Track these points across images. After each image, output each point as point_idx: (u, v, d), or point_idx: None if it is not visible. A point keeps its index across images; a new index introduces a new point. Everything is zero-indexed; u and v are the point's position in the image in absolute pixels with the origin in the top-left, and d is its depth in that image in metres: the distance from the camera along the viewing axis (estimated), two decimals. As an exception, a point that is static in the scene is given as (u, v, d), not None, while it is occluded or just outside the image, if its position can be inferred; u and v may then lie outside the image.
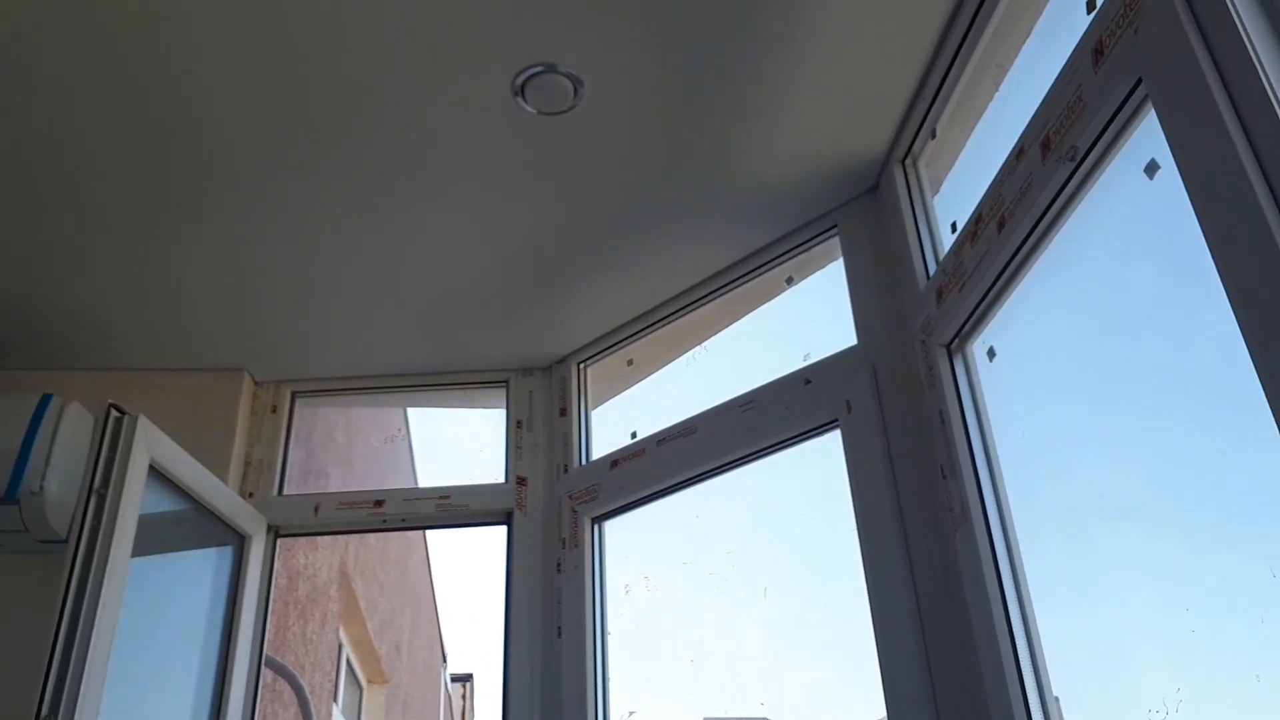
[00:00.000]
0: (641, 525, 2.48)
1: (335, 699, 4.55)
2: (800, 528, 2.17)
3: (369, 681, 5.89)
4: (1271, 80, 1.12)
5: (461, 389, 2.95)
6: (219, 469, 2.58)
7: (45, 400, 2.41)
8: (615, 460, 2.52)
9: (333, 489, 4.09)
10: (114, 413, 2.06)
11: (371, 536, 5.32)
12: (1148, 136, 1.37)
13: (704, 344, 2.66)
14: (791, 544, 2.17)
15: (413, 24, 1.78)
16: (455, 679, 14.99)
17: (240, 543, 2.50)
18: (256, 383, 2.85)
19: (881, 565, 1.88)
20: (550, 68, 1.91)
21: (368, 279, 2.45)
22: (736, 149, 2.11)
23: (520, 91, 1.95)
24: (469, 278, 2.47)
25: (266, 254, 2.34)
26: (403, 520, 2.71)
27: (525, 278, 2.49)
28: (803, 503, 2.18)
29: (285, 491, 2.74)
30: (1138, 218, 1.44)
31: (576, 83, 1.94)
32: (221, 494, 2.41)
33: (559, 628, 2.43)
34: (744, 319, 2.56)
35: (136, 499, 2.01)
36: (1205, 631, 1.31)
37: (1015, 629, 1.62)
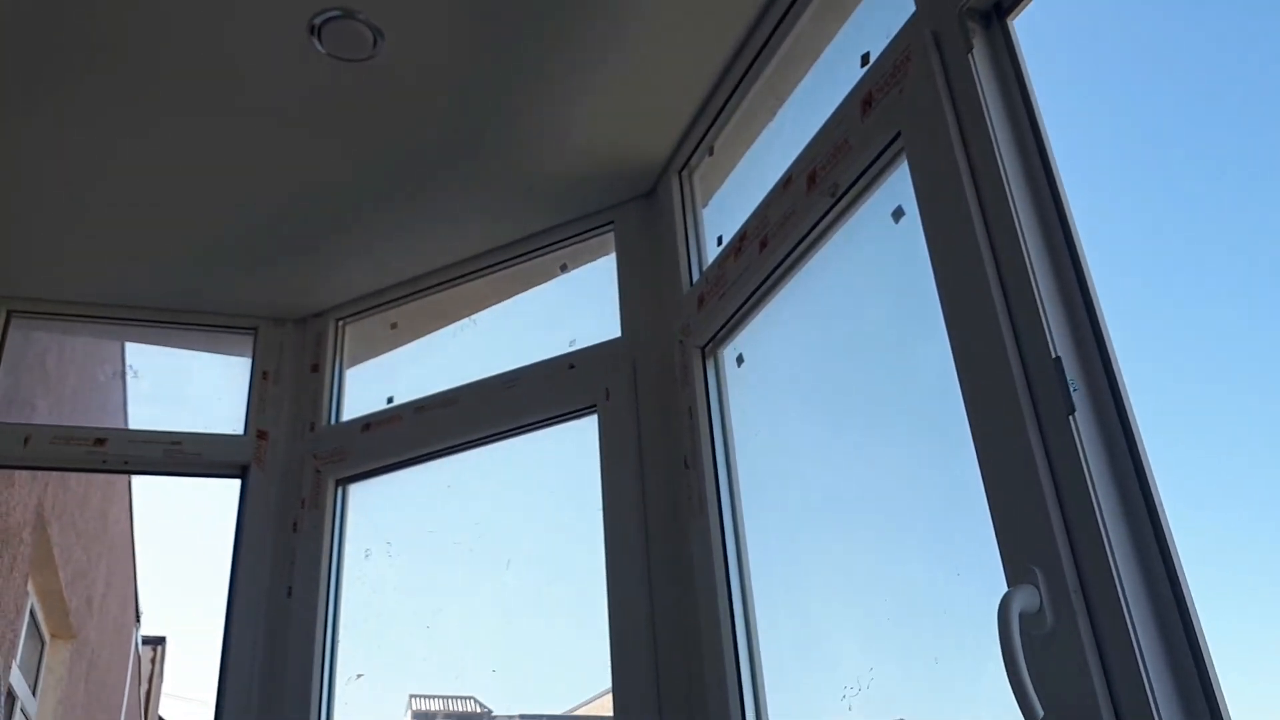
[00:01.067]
0: (390, 491, 2.47)
1: (15, 655, 4.13)
2: (550, 506, 2.25)
3: (53, 636, 5.38)
4: (1002, 150, 1.32)
5: (205, 331, 2.80)
6: (-91, 386, 2.31)
7: None
8: (369, 424, 2.49)
9: (36, 420, 3.73)
10: None
11: (74, 478, 4.87)
12: (899, 185, 1.55)
13: (473, 317, 2.68)
14: (540, 521, 2.25)
15: (212, -58, 1.69)
16: (147, 641, 13.96)
17: (-72, 470, 2.24)
18: (-35, 296, 2.56)
19: (621, 546, 2.00)
20: (349, 13, 1.87)
21: (115, 193, 2.27)
22: (524, 133, 2.16)
23: (317, 32, 1.90)
24: (229, 212, 2.35)
25: (3, 156, 2.11)
26: (125, 463, 2.53)
27: (291, 222, 2.40)
28: (555, 482, 2.26)
29: (-11, 419, 2.49)
30: (881, 255, 1.63)
31: (376, 33, 1.91)
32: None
33: (289, 588, 2.37)
34: (515, 298, 2.61)
35: None
36: (895, 621, 1.51)
37: (736, 611, 1.78)
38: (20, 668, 4.63)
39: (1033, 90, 1.37)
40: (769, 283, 1.82)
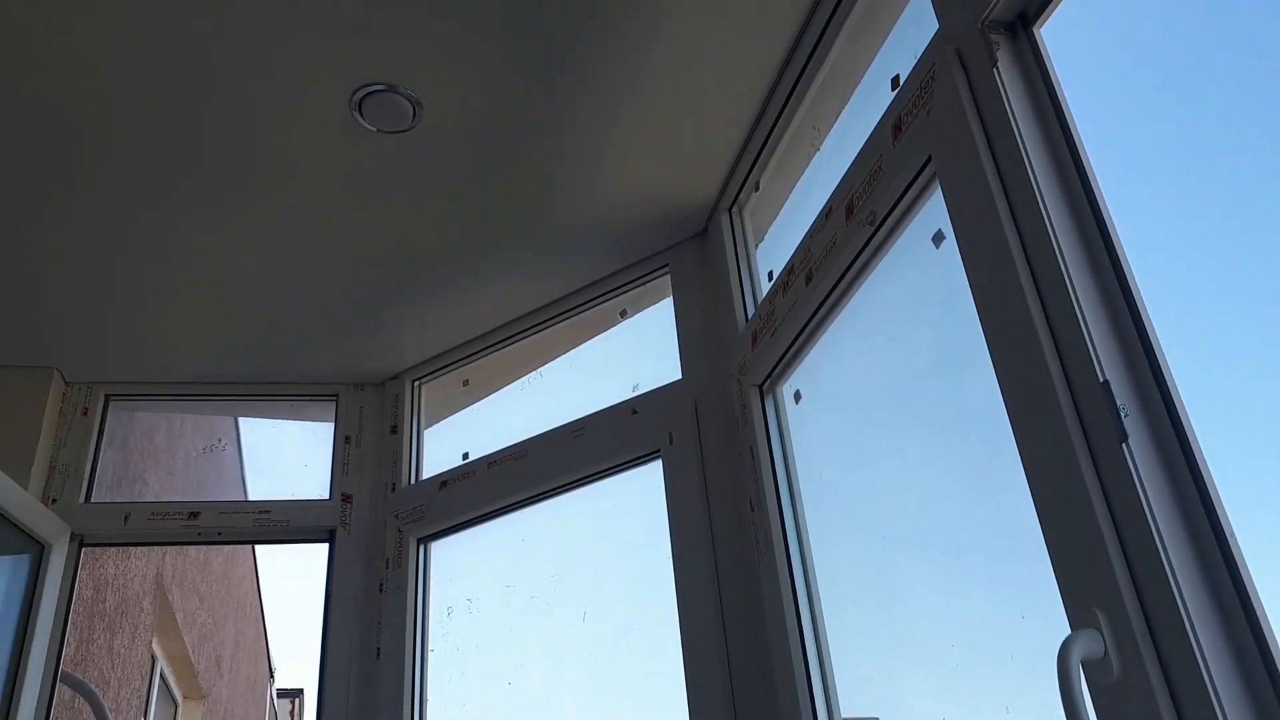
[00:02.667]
0: (468, 547, 2.49)
1: (146, 716, 4.32)
2: (621, 554, 2.23)
3: (185, 697, 5.61)
4: (1035, 167, 1.26)
5: (290, 401, 2.89)
6: (19, 472, 2.45)
7: None
8: (445, 481, 2.53)
9: (150, 497, 3.91)
10: (-102, 412, 1.93)
11: (198, 549, 5.10)
12: (938, 208, 1.50)
13: (539, 370, 2.70)
14: (612, 569, 2.23)
15: (250, 35, 1.76)
16: (283, 694, 14.44)
17: (39, 551, 2.37)
18: (67, 383, 2.71)
19: (693, 593, 1.96)
20: (391, 87, 1.92)
21: (195, 283, 2.38)
22: (573, 185, 2.17)
23: (359, 108, 1.95)
24: (301, 288, 2.43)
25: (83, 250, 2.24)
26: (219, 534, 2.63)
27: (361, 291, 2.47)
28: (624, 529, 2.24)
29: (94, 498, 2.62)
30: (925, 281, 1.57)
31: (416, 104, 1.96)
32: (18, 498, 2.28)
33: (378, 649, 2.41)
34: (579, 347, 2.62)
35: (-82, 505, 1.88)
36: (965, 664, 1.43)
37: (810, 655, 1.72)
38: (152, 730, 4.83)
39: (1065, 101, 1.30)
40: (818, 316, 1.77)
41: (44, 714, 2.29)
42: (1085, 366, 1.14)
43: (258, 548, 8.57)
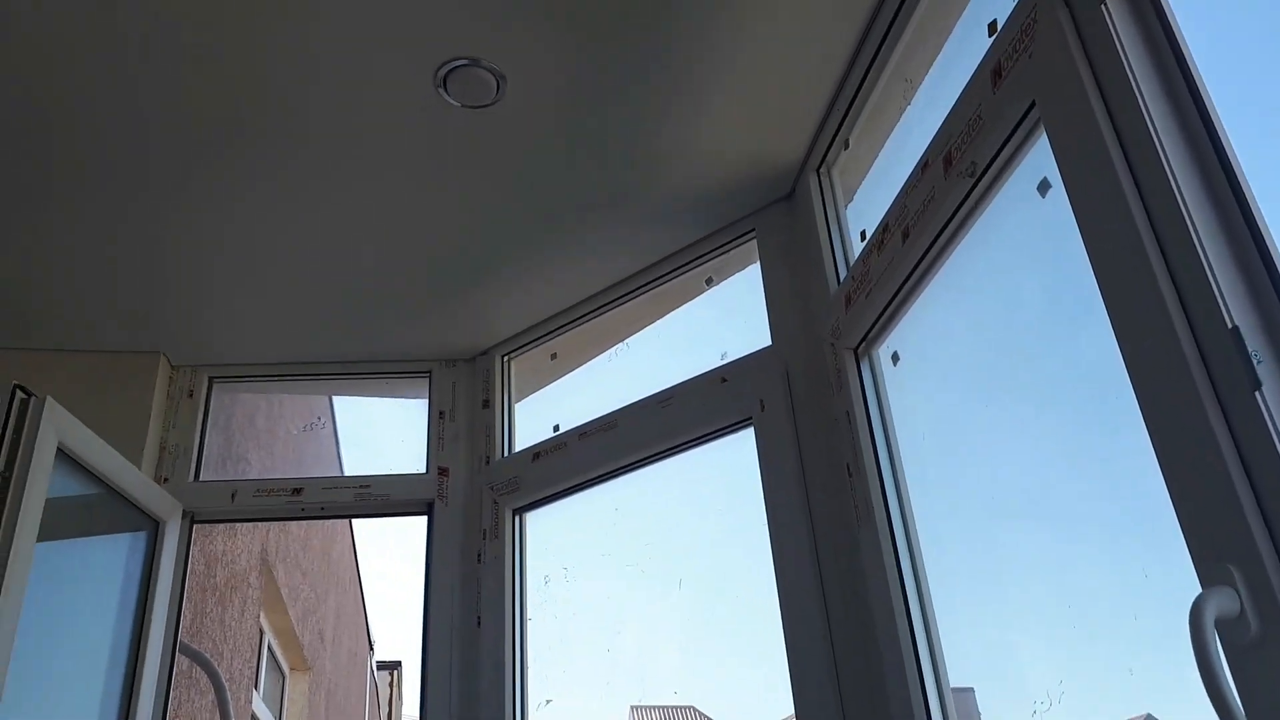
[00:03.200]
0: (562, 517, 2.52)
1: (256, 686, 4.50)
2: (715, 521, 2.23)
3: (291, 669, 5.82)
4: (1150, 108, 1.20)
5: (384, 379, 2.95)
6: (133, 453, 2.55)
7: (-51, 381, 2.34)
8: (537, 453, 2.55)
9: (252, 475, 4.04)
10: (20, 394, 2.02)
11: (294, 523, 5.26)
12: (1042, 156, 1.44)
13: (626, 340, 2.70)
14: (706, 537, 2.23)
15: (336, 13, 1.78)
16: (382, 666, 14.88)
17: (154, 528, 2.47)
18: (173, 366, 2.81)
19: (790, 560, 1.95)
20: (474, 62, 1.92)
21: (289, 265, 2.44)
22: (657, 152, 2.15)
23: (443, 84, 1.96)
24: (393, 267, 2.47)
25: (184, 237, 2.31)
26: (321, 509, 2.70)
27: (450, 269, 2.49)
28: (718, 497, 2.24)
29: (202, 477, 2.71)
30: (1031, 232, 1.52)
31: (499, 78, 1.95)
32: (134, 479, 2.37)
33: (479, 617, 2.45)
34: (666, 317, 2.60)
35: (43, 483, 1.97)
36: (1083, 628, 1.39)
37: (915, 624, 1.69)
38: (265, 699, 5.03)
39: (1182, 36, 1.23)
40: (916, 274, 1.73)
41: (165, 683, 2.40)
42: (1212, 313, 1.08)
43: (355, 526, 8.82)
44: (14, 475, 1.93)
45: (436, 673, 2.43)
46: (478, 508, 2.62)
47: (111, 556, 2.38)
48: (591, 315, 2.65)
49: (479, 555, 2.55)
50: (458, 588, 2.54)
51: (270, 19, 1.78)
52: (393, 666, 16.13)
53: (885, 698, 1.72)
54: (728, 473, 2.22)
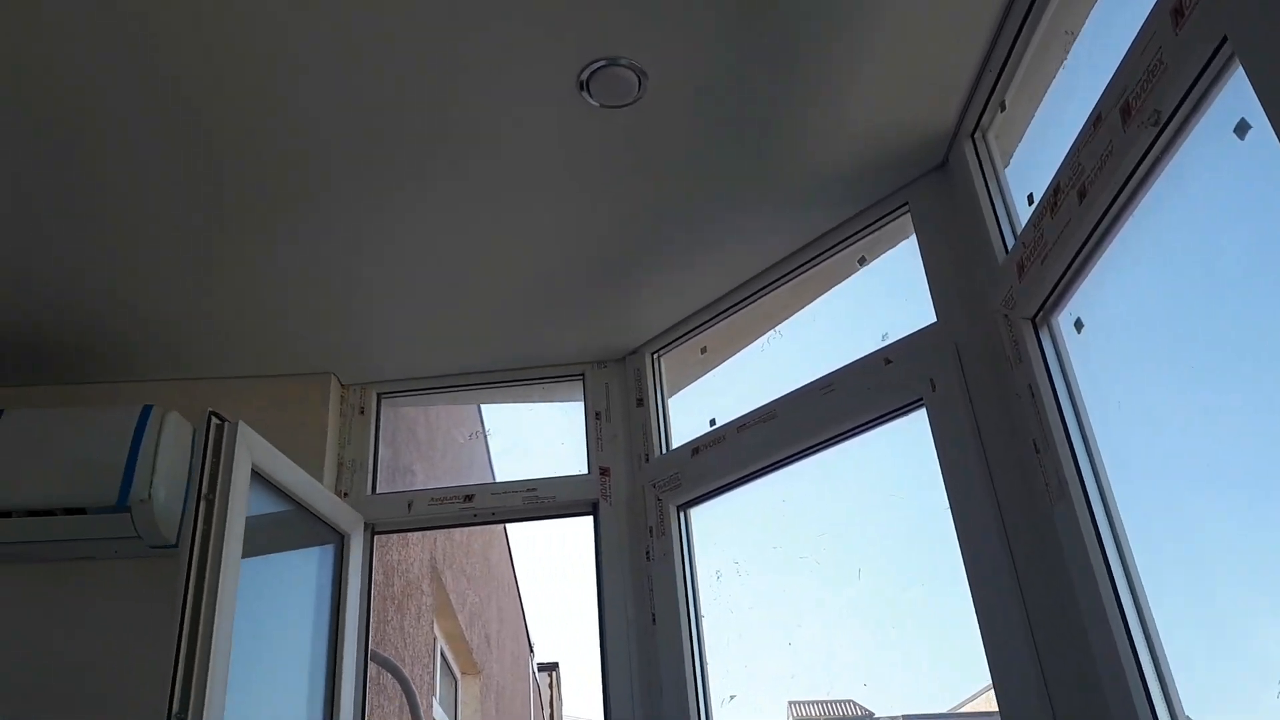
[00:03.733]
0: (728, 511, 2.50)
1: (434, 691, 4.66)
2: (890, 508, 2.17)
3: (462, 673, 6.02)
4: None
5: (539, 384, 3.00)
6: (314, 471, 2.68)
7: (146, 411, 2.51)
8: (696, 448, 2.55)
9: (418, 486, 4.19)
10: (214, 420, 2.15)
11: (457, 531, 5.43)
12: (1236, 96, 1.34)
13: (778, 328, 2.66)
14: (882, 524, 2.17)
15: (480, 26, 1.82)
16: (542, 668, 15.22)
17: (340, 541, 2.58)
18: (343, 385, 2.94)
19: (978, 542, 1.88)
20: (613, 61, 1.92)
21: (443, 280, 2.51)
22: (802, 132, 2.11)
23: (585, 86, 1.97)
24: (541, 273, 2.51)
25: (346, 261, 2.41)
26: (492, 514, 2.77)
27: (596, 271, 2.52)
28: (889, 482, 2.18)
29: (378, 490, 2.83)
30: (1228, 180, 1.41)
31: (640, 74, 1.95)
32: (320, 494, 2.49)
33: (653, 614, 2.47)
34: (817, 300, 2.56)
35: (242, 503, 2.09)
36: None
37: (1124, 603, 1.60)
38: (440, 704, 5.21)
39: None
40: (1096, 235, 1.63)
41: (361, 690, 2.51)
42: None
43: (510, 529, 9.05)
44: (216, 496, 2.05)
45: (616, 670, 2.46)
46: (641, 505, 2.64)
47: (304, 569, 2.50)
48: (740, 305, 2.63)
49: (647, 552, 2.56)
50: (629, 585, 2.56)
51: (418, 37, 1.83)
52: (551, 668, 16.47)
53: (1097, 678, 1.64)
54: (898, 457, 2.16)
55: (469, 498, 2.76)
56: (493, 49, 1.86)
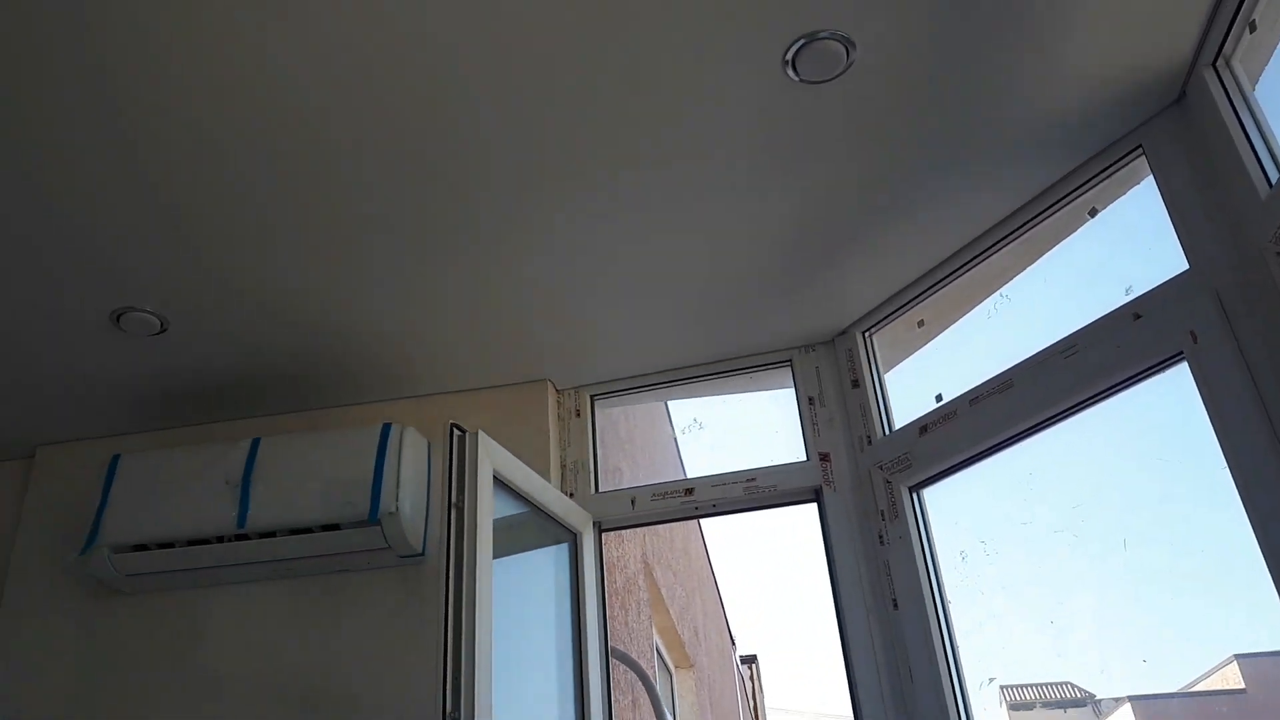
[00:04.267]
0: (967, 489, 2.41)
1: (657, 684, 4.73)
2: (1153, 471, 2.02)
3: (676, 666, 6.09)
4: None
5: (746, 373, 2.98)
6: (541, 474, 2.75)
7: (386, 429, 2.66)
8: (924, 426, 2.46)
9: (626, 483, 4.26)
10: (456, 431, 2.24)
11: (663, 526, 5.50)
12: None
13: (1000, 291, 2.54)
14: (1147, 490, 2.03)
15: (687, 12, 1.81)
16: (743, 660, 15.23)
17: (573, 540, 2.65)
18: (558, 391, 3.01)
19: (1266, 501, 1.72)
20: (819, 35, 1.87)
21: (647, 278, 2.52)
22: (1017, 82, 2.00)
23: (790, 63, 1.93)
24: (743, 261, 2.48)
25: (555, 271, 2.46)
26: (713, 505, 2.77)
27: (799, 253, 2.47)
28: (1150, 445, 2.03)
29: (600, 489, 2.88)
30: None
31: (847, 45, 1.90)
32: (553, 495, 2.56)
33: (894, 599, 2.40)
34: (1045, 258, 2.42)
35: (489, 507, 2.17)
36: None
37: None
38: (663, 698, 5.28)
39: None
40: (1391, 152, 1.46)
41: (606, 683, 2.56)
42: None
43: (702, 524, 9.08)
44: (465, 503, 2.14)
45: (860, 658, 2.41)
46: (868, 489, 2.57)
47: (542, 569, 2.58)
48: (958, 273, 2.52)
49: (880, 537, 2.49)
50: (863, 571, 2.50)
51: (620, 28, 1.84)
52: (750, 660, 16.46)
53: None
54: (1157, 417, 2.01)
55: (689, 491, 2.76)
56: (699, 31, 1.85)
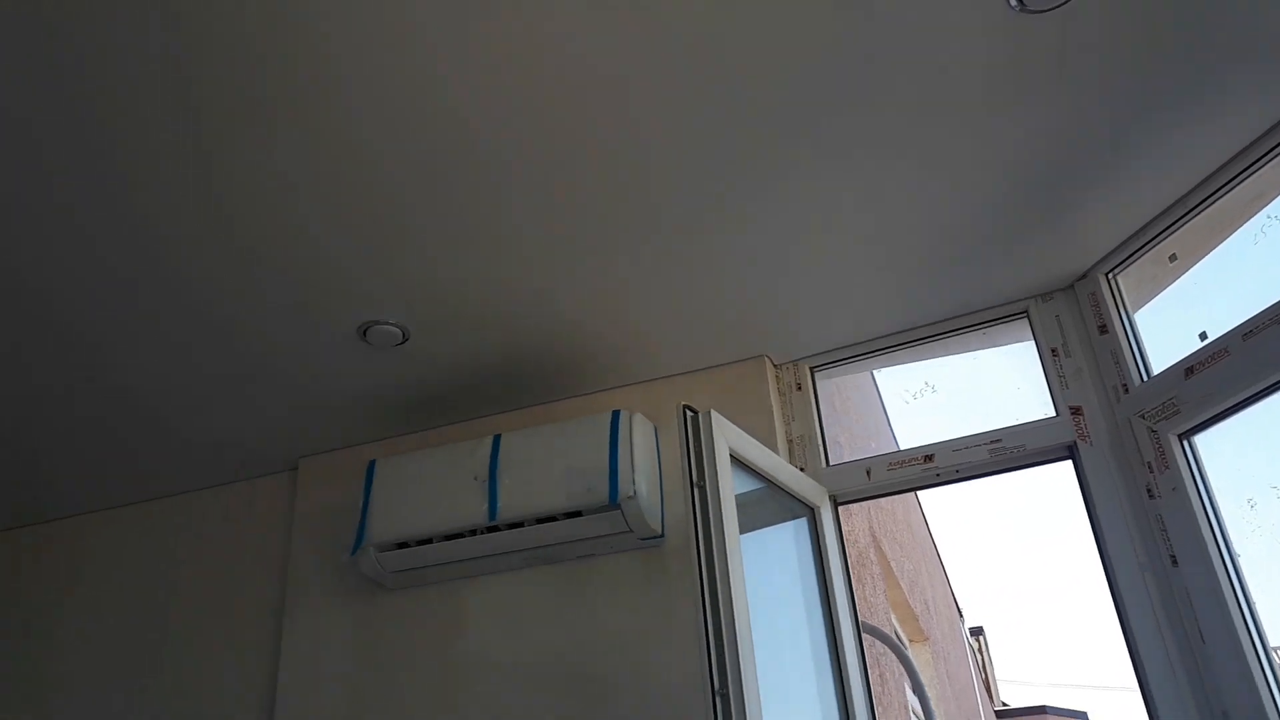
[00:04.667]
0: (1247, 431, 2.19)
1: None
2: None
3: (910, 641, 5.93)
4: None
5: (976, 330, 2.84)
6: (770, 449, 2.73)
7: (615, 416, 2.70)
8: (1189, 368, 2.26)
9: (845, 456, 4.17)
10: (689, 412, 2.25)
11: (886, 500, 5.36)
12: None
13: (1268, 211, 2.29)
14: None
15: (900, -38, 1.73)
16: (971, 632, 14.72)
17: (810, 515, 2.61)
18: (776, 365, 2.97)
19: None
20: (1042, -41, 1.75)
21: (865, 238, 2.44)
22: (1284, -26, 1.79)
23: (1015, -4, 1.81)
24: (969, 209, 2.36)
25: (767, 244, 2.42)
26: (956, 471, 2.66)
27: (1031, 195, 2.32)
28: None
29: (831, 461, 2.82)
30: None
31: (1076, -36, 1.76)
32: (787, 470, 2.53)
33: (1171, 556, 2.22)
34: (1322, 169, 2.16)
35: (729, 485, 2.17)
36: None
37: None
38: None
39: None
40: None
41: (862, 657, 2.51)
42: None
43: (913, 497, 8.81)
44: (706, 482, 2.14)
45: (1138, 621, 2.24)
46: (1130, 441, 2.39)
47: (782, 545, 2.55)
48: (1215, 196, 2.30)
49: (1148, 490, 2.31)
50: (1132, 528, 2.33)
51: (836, -7, 1.78)
52: (977, 632, 15.90)
53: None
54: None
55: (929, 458, 2.66)
56: (911, -20, 1.77)
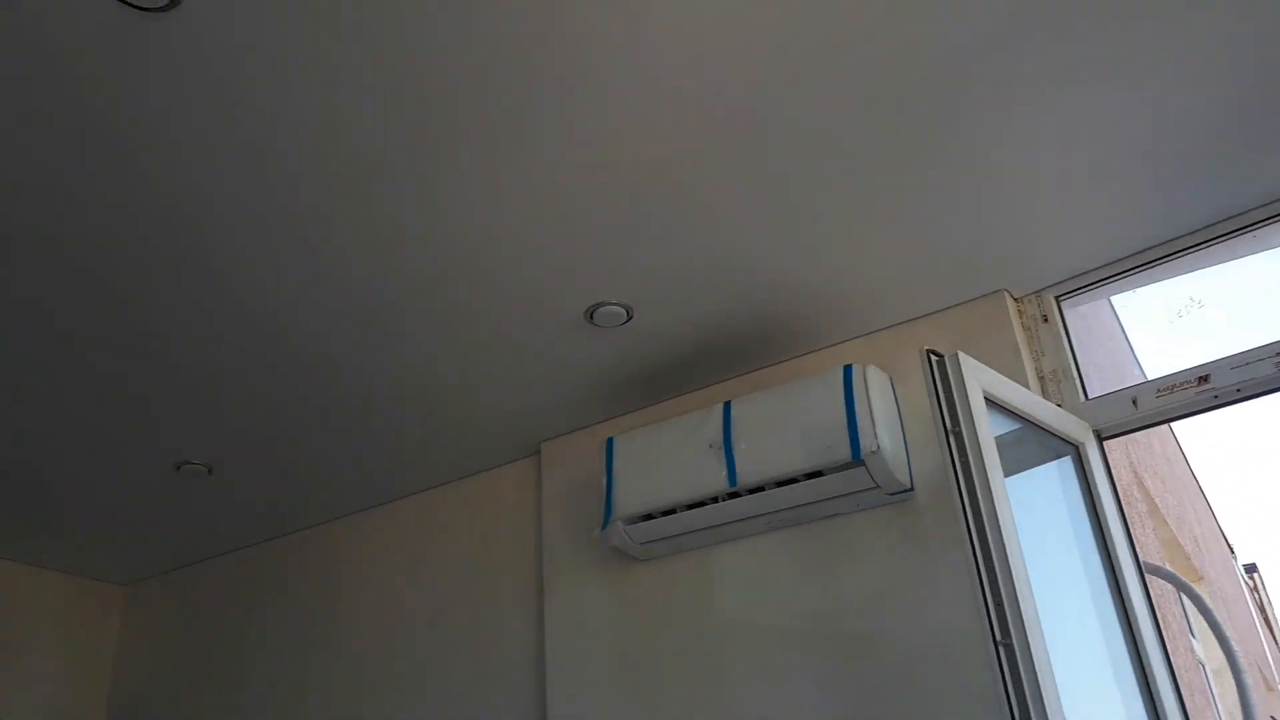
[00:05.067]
0: None
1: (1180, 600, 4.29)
2: None
3: (1184, 581, 5.49)
4: None
5: (1247, 232, 2.55)
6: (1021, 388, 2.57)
7: (848, 370, 2.62)
8: None
9: (1094, 384, 3.89)
10: (933, 357, 2.14)
11: (1141, 433, 4.97)
12: None
13: None
14: None
15: None
16: (1244, 569, 13.55)
17: (1075, 452, 2.44)
18: (1016, 299, 2.80)
19: None
20: None
21: (1110, 145, 2.23)
22: None
23: None
24: (1234, 91, 2.10)
25: (999, 167, 2.26)
26: (1237, 390, 2.40)
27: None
28: None
29: (1090, 394, 2.63)
30: None
31: None
32: (1044, 408, 2.37)
33: None
34: None
35: (988, 429, 2.05)
36: None
37: None
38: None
39: None
40: None
41: (1149, 602, 2.32)
42: None
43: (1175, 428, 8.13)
44: (962, 428, 2.03)
45: None
46: None
47: (1046, 486, 2.40)
48: None
49: None
50: None
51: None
52: (1251, 569, 14.62)
53: None
54: None
55: (1203, 379, 2.42)
56: None
